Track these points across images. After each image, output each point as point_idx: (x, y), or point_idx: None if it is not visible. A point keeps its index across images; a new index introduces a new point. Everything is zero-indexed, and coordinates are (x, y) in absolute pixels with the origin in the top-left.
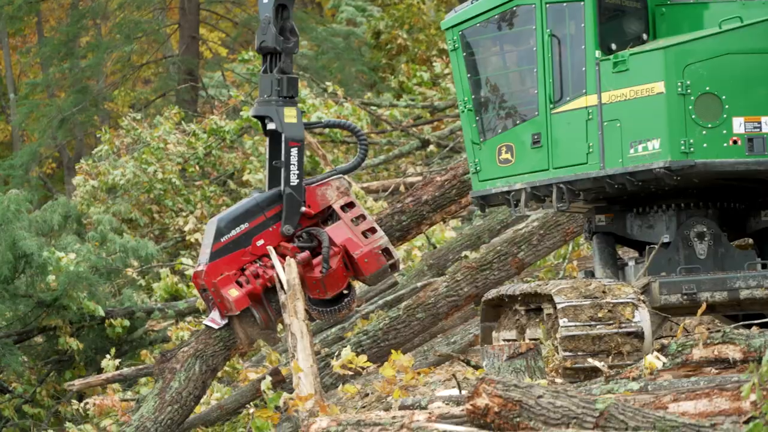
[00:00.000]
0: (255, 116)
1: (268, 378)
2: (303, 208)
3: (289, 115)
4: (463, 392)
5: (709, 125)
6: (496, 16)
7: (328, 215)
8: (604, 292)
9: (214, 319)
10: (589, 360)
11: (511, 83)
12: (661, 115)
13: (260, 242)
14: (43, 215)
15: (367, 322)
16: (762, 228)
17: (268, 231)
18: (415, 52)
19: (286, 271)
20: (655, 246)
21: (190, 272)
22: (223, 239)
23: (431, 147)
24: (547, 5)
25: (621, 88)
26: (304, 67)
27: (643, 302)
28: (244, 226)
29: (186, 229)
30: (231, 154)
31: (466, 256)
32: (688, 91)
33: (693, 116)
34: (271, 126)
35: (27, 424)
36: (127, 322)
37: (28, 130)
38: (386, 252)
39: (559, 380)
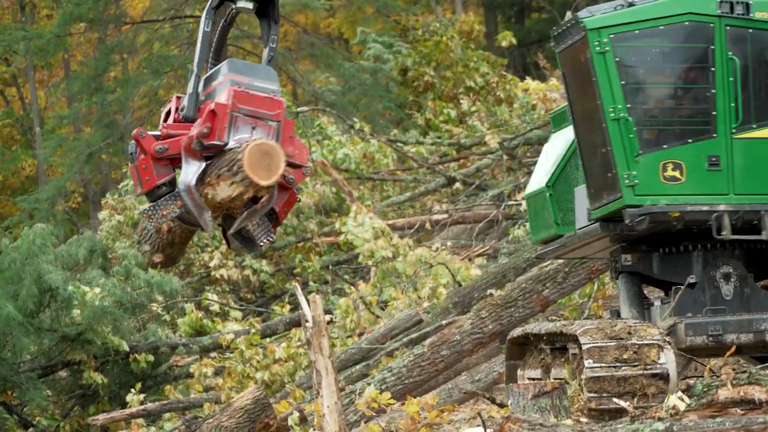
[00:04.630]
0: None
1: (296, 414)
2: None
3: None
4: (488, 431)
5: None
6: (661, 27)
7: None
8: (629, 333)
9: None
10: (614, 400)
11: (678, 98)
12: None
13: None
14: (68, 249)
15: (392, 359)
16: None
17: None
18: (442, 89)
19: (312, 308)
20: (682, 286)
21: (215, 308)
22: None
23: (457, 184)
24: (727, 27)
25: None
26: (331, 103)
27: (669, 344)
28: None
29: (211, 264)
30: None
31: (491, 294)
32: None
33: None
34: (244, 4)
35: None
36: (151, 357)
37: (55, 164)
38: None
39: (584, 420)
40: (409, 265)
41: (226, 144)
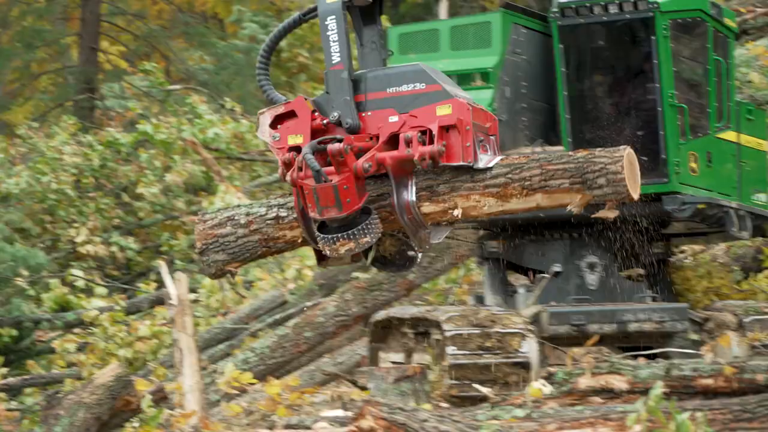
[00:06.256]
0: None
1: (149, 395)
2: None
3: None
4: (348, 413)
5: None
6: (689, 19)
7: None
8: (492, 321)
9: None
10: (476, 387)
11: (697, 92)
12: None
13: None
14: None
15: (256, 339)
16: (653, 260)
17: None
18: (316, 71)
19: (177, 287)
20: (546, 275)
21: (80, 284)
22: None
23: None
24: (714, 30)
25: (750, 135)
26: (204, 82)
27: (532, 333)
28: None
29: (78, 240)
30: (126, 167)
31: (356, 277)
32: None
33: None
34: None
35: None
36: (14, 332)
37: None
38: None
39: (444, 405)
40: None
41: (473, 164)
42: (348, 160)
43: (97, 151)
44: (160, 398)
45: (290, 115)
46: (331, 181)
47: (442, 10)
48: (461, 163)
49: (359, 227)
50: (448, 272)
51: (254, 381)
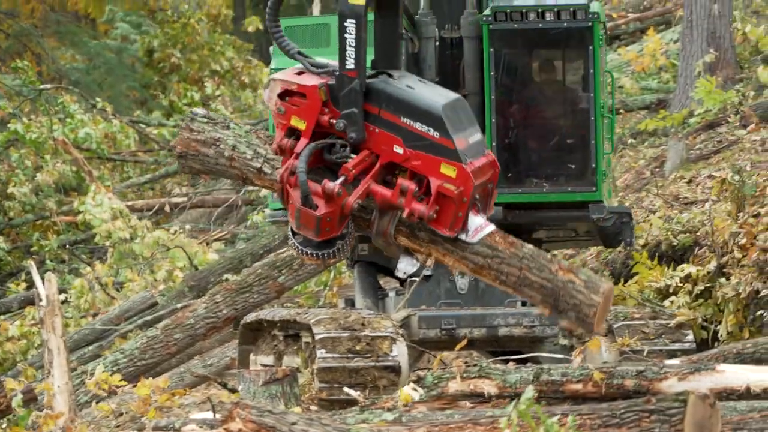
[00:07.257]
0: None
1: (20, 395)
2: None
3: None
4: (218, 416)
5: None
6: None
7: None
8: (363, 324)
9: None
10: (345, 390)
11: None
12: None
13: None
14: None
15: (126, 341)
16: None
17: None
18: (188, 71)
19: (46, 287)
20: (417, 278)
21: None
22: None
23: None
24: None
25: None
26: (75, 82)
27: (402, 336)
28: None
29: None
30: None
31: (227, 279)
32: None
33: None
34: None
35: None
36: None
37: None
38: None
39: (314, 408)
40: (146, 247)
41: (458, 235)
42: (338, 200)
43: None
44: (30, 399)
45: (301, 94)
46: (317, 209)
47: (316, 10)
48: (447, 234)
49: (329, 251)
50: (318, 275)
51: (123, 383)
